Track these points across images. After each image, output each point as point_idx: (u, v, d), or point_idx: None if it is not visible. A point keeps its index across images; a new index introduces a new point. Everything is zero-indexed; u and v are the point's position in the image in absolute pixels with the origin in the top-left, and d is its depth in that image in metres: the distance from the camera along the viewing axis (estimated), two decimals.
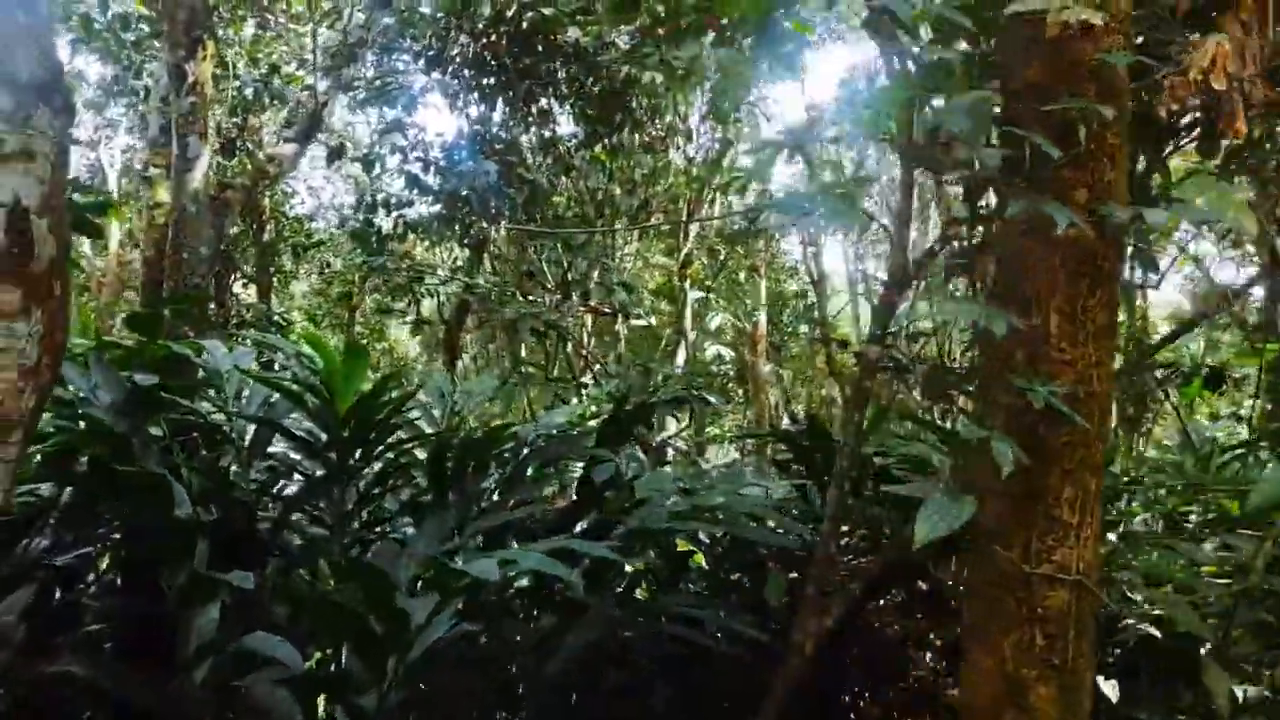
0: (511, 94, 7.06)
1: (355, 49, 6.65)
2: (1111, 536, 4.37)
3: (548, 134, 7.55)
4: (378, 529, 3.81)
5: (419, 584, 2.85)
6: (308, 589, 2.81)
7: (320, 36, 7.16)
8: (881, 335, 3.47)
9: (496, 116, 8.73)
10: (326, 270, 12.49)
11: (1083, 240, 2.39)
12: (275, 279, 10.76)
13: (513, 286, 5.61)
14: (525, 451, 3.74)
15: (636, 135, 8.31)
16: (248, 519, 3.29)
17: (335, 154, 7.61)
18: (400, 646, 2.18)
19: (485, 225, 7.42)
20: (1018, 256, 2.53)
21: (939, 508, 2.17)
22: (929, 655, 4.71)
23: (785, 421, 13.08)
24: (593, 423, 5.28)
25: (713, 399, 4.57)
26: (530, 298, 6.57)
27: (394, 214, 7.41)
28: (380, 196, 7.45)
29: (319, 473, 3.84)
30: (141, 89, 7.78)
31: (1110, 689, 3.80)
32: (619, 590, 3.02)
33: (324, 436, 3.64)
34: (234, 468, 3.67)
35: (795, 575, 3.64)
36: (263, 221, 10.01)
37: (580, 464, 4.46)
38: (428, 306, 10.71)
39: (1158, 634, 3.68)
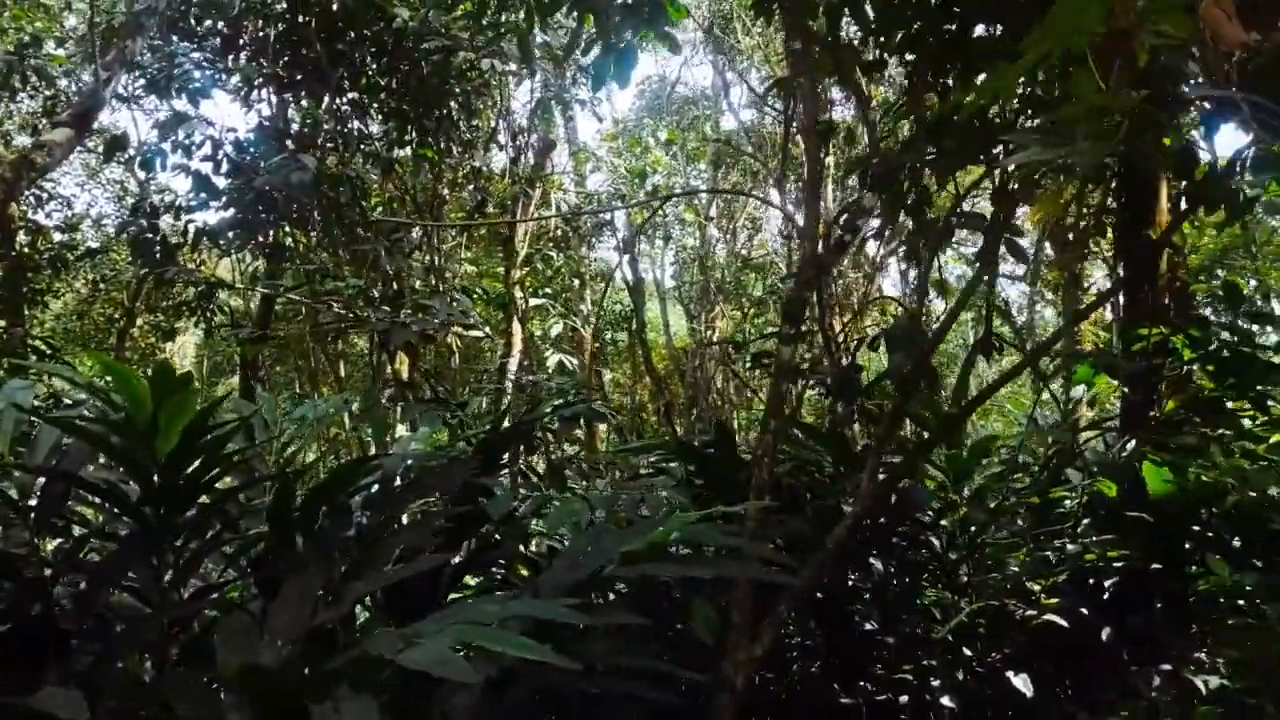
0: (319, 85, 6.31)
1: (141, 19, 5.65)
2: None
3: (361, 129, 6.84)
4: (211, 597, 3.12)
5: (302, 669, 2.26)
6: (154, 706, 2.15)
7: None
8: (795, 335, 3.22)
9: (293, 112, 7.88)
10: (101, 286, 10.82)
11: None
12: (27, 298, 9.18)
13: (330, 298, 4.93)
14: (395, 486, 3.18)
15: (452, 134, 7.75)
16: (41, 602, 2.54)
17: (115, 146, 6.46)
18: None
19: (292, 230, 6.60)
20: None
21: None
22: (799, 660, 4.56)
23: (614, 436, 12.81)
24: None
25: (606, 412, 4.18)
26: (343, 310, 5.86)
27: (184, 219, 6.42)
28: (164, 199, 6.43)
29: (124, 532, 3.11)
30: None
31: (1022, 684, 3.75)
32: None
33: (136, 488, 2.93)
34: (12, 534, 2.87)
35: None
36: (11, 230, 8.49)
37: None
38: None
39: (1064, 623, 3.67)
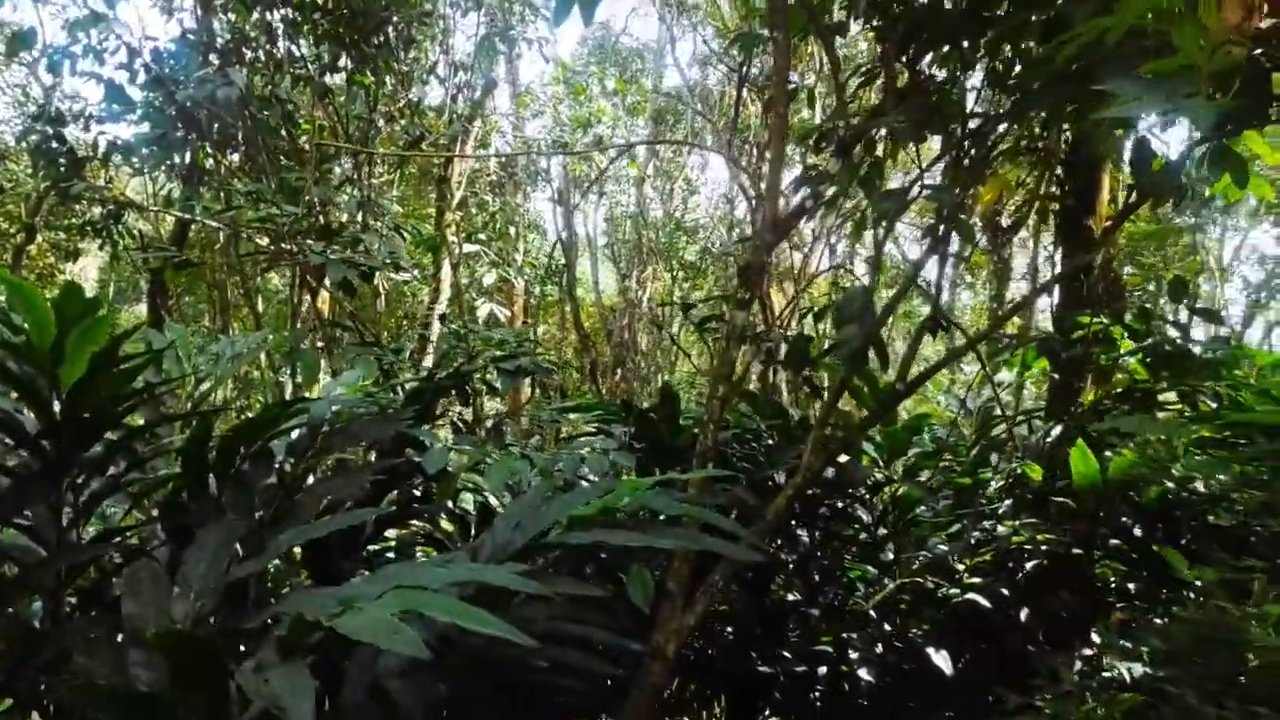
0: None
1: None
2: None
3: (292, 50, 6.44)
4: (114, 541, 2.90)
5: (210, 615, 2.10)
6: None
7: None
8: (749, 300, 3.14)
9: (218, 26, 7.38)
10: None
11: None
12: None
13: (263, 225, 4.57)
14: (323, 433, 3.00)
15: (390, 64, 7.39)
16: None
17: (18, 44, 5.89)
18: None
19: (214, 151, 6.19)
20: None
21: None
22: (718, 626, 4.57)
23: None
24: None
25: (551, 368, 4.03)
26: (272, 241, 5.54)
27: (94, 131, 5.95)
28: (72, 107, 5.93)
29: (18, 465, 2.86)
30: None
31: (942, 661, 3.81)
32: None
33: (34, 418, 2.69)
34: None
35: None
36: None
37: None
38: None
39: (986, 603, 3.73)
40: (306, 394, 3.65)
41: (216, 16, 7.18)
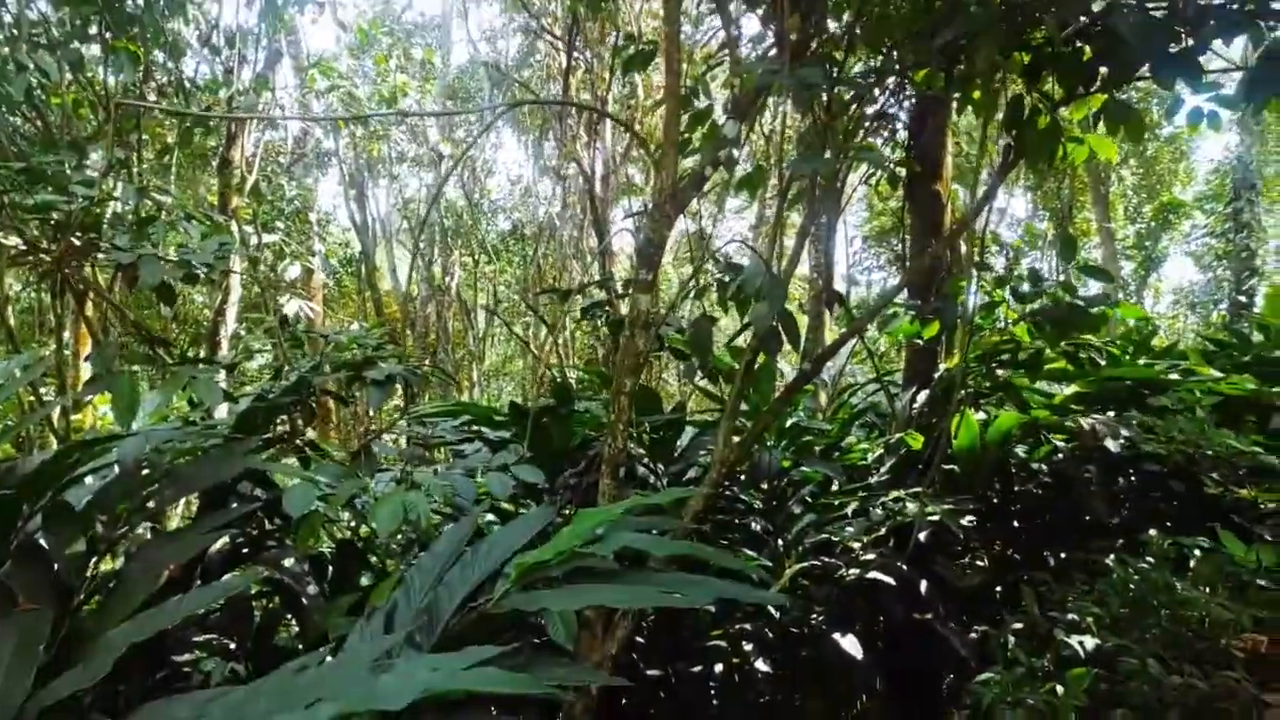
0: None
1: None
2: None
3: (32, 14, 5.34)
4: None
5: None
6: None
7: None
8: (651, 281, 2.78)
9: None
10: None
11: None
12: None
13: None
14: (147, 477, 2.35)
15: (155, 31, 6.36)
16: None
17: None
18: None
19: None
20: None
21: None
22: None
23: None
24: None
25: (423, 374, 3.47)
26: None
27: None
28: None
29: None
30: None
31: (850, 644, 3.66)
32: None
33: None
34: None
35: None
36: None
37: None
38: None
39: (888, 579, 3.61)
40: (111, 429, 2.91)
41: None
